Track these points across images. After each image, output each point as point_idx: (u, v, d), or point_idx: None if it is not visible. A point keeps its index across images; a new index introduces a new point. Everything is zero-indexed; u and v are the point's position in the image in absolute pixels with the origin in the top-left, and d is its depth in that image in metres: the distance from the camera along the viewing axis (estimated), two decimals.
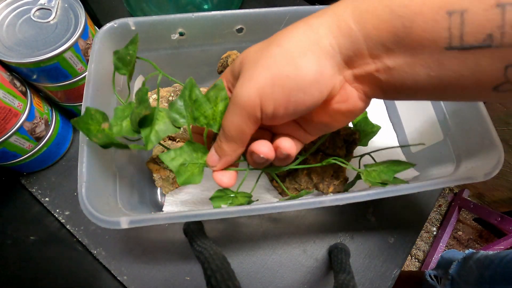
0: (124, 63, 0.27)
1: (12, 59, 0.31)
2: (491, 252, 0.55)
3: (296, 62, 0.19)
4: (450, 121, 0.34)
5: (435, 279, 0.64)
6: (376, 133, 0.38)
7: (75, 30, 0.33)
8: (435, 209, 1.21)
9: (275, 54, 0.19)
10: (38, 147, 0.37)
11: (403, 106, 0.43)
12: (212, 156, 0.25)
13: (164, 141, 0.39)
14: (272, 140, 0.25)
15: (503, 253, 0.52)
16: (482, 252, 0.58)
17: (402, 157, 0.42)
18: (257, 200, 0.34)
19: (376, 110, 0.46)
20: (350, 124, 0.38)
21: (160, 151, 0.37)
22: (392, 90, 0.19)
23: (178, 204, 0.38)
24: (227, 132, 0.22)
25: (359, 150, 0.41)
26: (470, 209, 1.09)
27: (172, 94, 0.40)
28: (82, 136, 0.26)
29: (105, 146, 0.25)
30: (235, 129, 0.22)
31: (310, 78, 0.19)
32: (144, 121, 0.25)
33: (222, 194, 0.29)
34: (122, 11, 0.52)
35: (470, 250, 0.62)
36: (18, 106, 0.33)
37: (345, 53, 0.19)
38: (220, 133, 0.23)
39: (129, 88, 0.28)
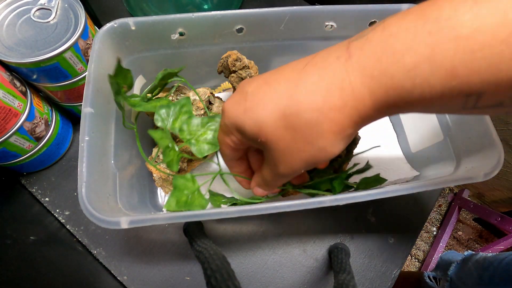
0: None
1: (12, 59, 0.31)
2: (490, 254, 0.55)
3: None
4: (450, 121, 0.34)
5: (433, 280, 0.64)
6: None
7: (75, 30, 0.33)
8: (435, 209, 1.21)
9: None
10: (38, 147, 0.37)
11: None
12: (258, 190, 0.28)
13: None
14: None
15: (502, 255, 0.52)
16: (481, 253, 0.58)
17: (402, 157, 0.42)
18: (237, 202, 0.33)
19: None
20: None
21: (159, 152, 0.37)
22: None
23: None
24: (287, 174, 0.22)
25: (358, 150, 0.41)
26: (470, 209, 1.09)
27: (172, 95, 0.40)
28: (82, 136, 0.26)
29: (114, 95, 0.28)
30: (294, 172, 0.22)
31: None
32: None
33: (186, 182, 0.29)
34: (122, 11, 0.52)
35: (469, 251, 0.62)
36: (18, 106, 0.33)
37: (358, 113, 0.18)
38: (275, 174, 0.23)
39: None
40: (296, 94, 0.18)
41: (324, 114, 0.17)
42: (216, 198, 0.32)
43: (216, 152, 0.35)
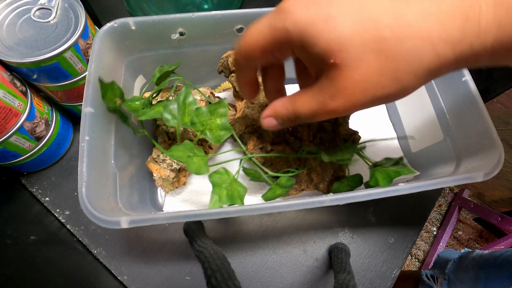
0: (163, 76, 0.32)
1: (12, 59, 0.31)
2: (486, 252, 0.56)
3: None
4: (450, 121, 0.34)
5: (431, 279, 0.64)
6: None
7: (75, 30, 0.33)
8: (435, 209, 1.21)
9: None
10: (38, 147, 0.37)
11: (403, 106, 0.43)
12: (271, 121, 0.22)
13: (165, 141, 0.39)
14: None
15: (497, 252, 0.52)
16: (477, 251, 0.58)
17: (403, 157, 0.42)
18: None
19: (376, 110, 0.46)
20: (350, 125, 0.37)
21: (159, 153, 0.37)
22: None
23: (178, 204, 0.38)
24: (339, 111, 0.19)
25: None
26: (470, 209, 1.09)
27: (173, 95, 0.40)
28: (82, 136, 0.26)
29: (111, 111, 0.29)
30: (348, 112, 0.19)
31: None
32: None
33: (222, 176, 0.29)
34: (122, 11, 0.52)
35: (466, 249, 0.62)
36: (18, 106, 0.33)
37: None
38: (322, 107, 0.19)
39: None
40: (406, 14, 0.15)
41: (434, 46, 0.15)
42: (253, 173, 0.32)
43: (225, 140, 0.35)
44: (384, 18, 0.15)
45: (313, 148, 0.35)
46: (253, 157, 0.34)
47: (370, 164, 0.32)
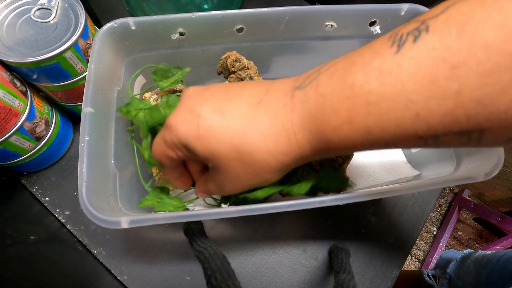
0: (164, 76, 0.33)
1: (12, 59, 0.31)
2: (489, 252, 0.56)
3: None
4: None
5: (432, 279, 0.64)
6: None
7: (75, 30, 0.33)
8: (435, 209, 1.21)
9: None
10: (38, 147, 0.37)
11: None
12: (203, 195, 0.29)
13: None
14: None
15: (500, 252, 0.52)
16: (480, 251, 0.58)
17: (402, 157, 0.42)
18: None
19: None
20: None
21: None
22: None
23: None
24: (231, 192, 0.25)
25: None
26: (470, 209, 1.10)
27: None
28: (82, 136, 0.26)
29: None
30: (237, 192, 0.25)
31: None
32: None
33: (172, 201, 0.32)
34: (122, 11, 0.52)
35: (469, 250, 0.62)
36: (18, 106, 0.33)
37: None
38: (220, 190, 0.25)
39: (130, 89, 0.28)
40: (251, 136, 0.20)
41: (274, 156, 0.20)
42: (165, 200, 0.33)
43: None
44: (237, 138, 0.20)
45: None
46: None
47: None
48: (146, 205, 0.30)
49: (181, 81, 0.35)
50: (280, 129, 0.20)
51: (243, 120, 0.20)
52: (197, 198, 0.31)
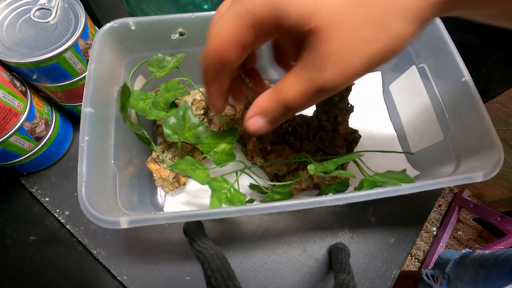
0: (160, 65, 0.33)
1: (12, 59, 0.31)
2: (487, 252, 0.56)
3: None
4: (450, 121, 0.34)
5: (431, 278, 0.64)
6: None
7: (75, 30, 0.33)
8: (435, 209, 1.21)
9: None
10: (38, 147, 0.37)
11: (403, 107, 0.43)
12: (257, 122, 0.19)
13: (165, 141, 0.39)
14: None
15: (498, 252, 0.52)
16: (478, 251, 0.58)
17: (403, 157, 0.42)
18: (254, 200, 0.34)
19: (377, 111, 0.46)
20: (350, 124, 0.37)
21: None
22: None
23: (178, 204, 0.38)
24: (334, 83, 0.16)
25: (358, 149, 0.41)
26: (470, 209, 1.09)
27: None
28: (82, 136, 0.26)
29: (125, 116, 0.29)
30: (346, 81, 0.16)
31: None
32: (172, 105, 0.32)
33: (220, 183, 0.30)
34: (122, 11, 0.52)
35: (467, 249, 0.62)
36: (18, 106, 0.33)
37: None
38: (313, 85, 0.16)
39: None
40: None
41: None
42: (258, 187, 0.34)
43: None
44: None
45: (312, 148, 0.35)
46: (250, 168, 0.35)
47: (367, 175, 0.33)
48: (179, 169, 0.28)
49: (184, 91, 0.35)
50: None
51: None
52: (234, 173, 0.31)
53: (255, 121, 0.19)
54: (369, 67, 0.15)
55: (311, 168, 0.29)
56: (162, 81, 0.33)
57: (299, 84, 0.16)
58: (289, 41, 0.17)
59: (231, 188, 0.30)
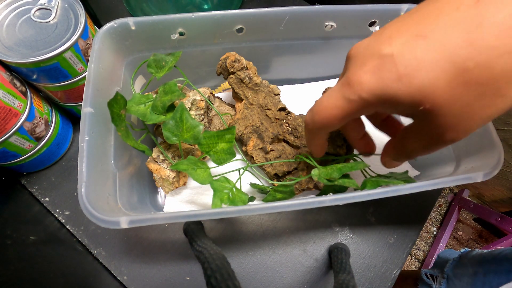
0: (158, 65, 0.33)
1: (12, 59, 0.31)
2: (485, 250, 0.56)
3: None
4: None
5: (430, 278, 0.64)
6: None
7: (75, 30, 0.33)
8: (435, 209, 1.21)
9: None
10: (38, 147, 0.37)
11: None
12: (393, 163, 0.26)
13: (165, 141, 0.39)
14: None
15: (496, 250, 0.53)
16: (476, 250, 0.58)
17: None
18: (255, 199, 0.34)
19: None
20: None
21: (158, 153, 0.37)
22: None
23: (178, 204, 0.38)
24: (455, 139, 0.19)
25: None
26: (470, 209, 1.09)
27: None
28: (82, 136, 0.26)
29: (117, 125, 0.29)
30: (466, 135, 0.20)
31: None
32: (169, 108, 0.32)
33: (222, 183, 0.31)
34: (122, 11, 0.52)
35: (466, 249, 0.62)
36: (18, 106, 0.33)
37: None
38: (436, 143, 0.20)
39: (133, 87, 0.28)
40: (482, 39, 0.14)
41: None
42: (259, 186, 0.34)
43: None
44: (460, 52, 0.15)
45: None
46: (253, 167, 0.36)
47: (369, 175, 0.33)
48: (180, 169, 0.29)
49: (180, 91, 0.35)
50: None
51: (462, 26, 0.15)
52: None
53: (391, 163, 0.25)
54: (487, 122, 0.18)
55: (315, 173, 0.29)
56: (162, 80, 0.33)
57: (420, 144, 0.20)
58: (397, 113, 0.19)
59: (233, 188, 0.30)
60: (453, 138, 0.18)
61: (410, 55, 0.16)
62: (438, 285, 0.60)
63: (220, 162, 0.31)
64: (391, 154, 0.24)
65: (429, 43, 0.16)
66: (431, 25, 0.16)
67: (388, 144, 0.24)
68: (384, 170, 0.38)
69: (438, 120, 0.17)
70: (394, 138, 0.23)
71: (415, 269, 1.10)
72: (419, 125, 0.19)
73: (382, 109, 0.19)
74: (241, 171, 0.33)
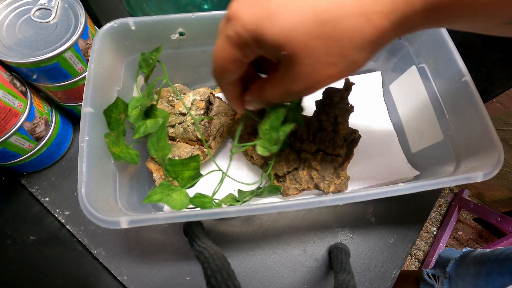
0: (147, 64, 0.32)
1: (12, 59, 0.31)
2: (487, 250, 0.56)
3: None
4: (450, 121, 0.34)
5: (432, 278, 0.64)
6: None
7: (75, 30, 0.33)
8: (435, 209, 1.21)
9: None
10: (38, 147, 0.37)
11: (403, 107, 0.43)
12: (250, 105, 0.25)
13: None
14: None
15: (498, 250, 0.52)
16: (479, 250, 0.58)
17: (403, 157, 0.42)
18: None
19: (377, 111, 0.46)
20: (350, 124, 0.37)
21: None
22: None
23: None
24: (303, 92, 0.21)
25: (359, 149, 0.41)
26: (470, 209, 1.10)
27: (173, 95, 0.40)
28: (82, 136, 0.26)
29: (113, 130, 0.29)
30: (311, 91, 0.21)
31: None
32: (148, 113, 0.31)
33: (201, 199, 0.31)
34: (122, 11, 0.52)
35: (468, 248, 0.62)
36: (18, 106, 0.33)
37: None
38: (288, 91, 0.21)
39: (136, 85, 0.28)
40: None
41: (370, 20, 0.16)
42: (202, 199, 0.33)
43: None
44: (321, 3, 0.16)
45: (312, 148, 0.35)
46: (227, 174, 0.35)
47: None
48: (154, 200, 0.28)
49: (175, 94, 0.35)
50: None
51: None
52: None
53: (252, 104, 0.25)
54: (331, 81, 0.19)
55: (258, 149, 0.29)
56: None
57: (277, 90, 0.21)
58: (270, 56, 0.20)
59: (213, 200, 0.31)
60: (302, 89, 0.19)
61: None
62: (440, 285, 0.60)
63: (184, 185, 0.31)
64: (253, 94, 0.23)
65: None
66: None
67: (254, 85, 0.23)
68: (381, 170, 0.39)
69: (294, 68, 0.18)
70: (262, 81, 0.23)
71: (415, 269, 1.10)
72: (280, 71, 0.20)
73: (256, 48, 0.19)
74: (219, 183, 0.33)
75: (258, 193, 0.34)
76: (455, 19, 0.16)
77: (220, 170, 0.32)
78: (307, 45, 0.17)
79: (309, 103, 0.39)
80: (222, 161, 0.41)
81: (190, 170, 0.31)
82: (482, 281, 0.51)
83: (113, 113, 0.29)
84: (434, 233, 1.17)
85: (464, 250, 0.62)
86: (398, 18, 0.16)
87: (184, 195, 0.30)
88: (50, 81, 0.35)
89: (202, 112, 0.37)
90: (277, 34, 0.17)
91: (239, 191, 0.36)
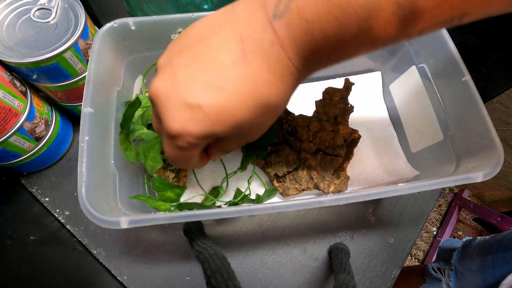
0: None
1: (12, 59, 0.31)
2: (487, 237, 0.55)
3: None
4: (450, 121, 0.34)
5: (438, 272, 0.64)
6: None
7: (75, 30, 0.33)
8: (435, 209, 1.21)
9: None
10: (38, 147, 0.37)
11: (403, 107, 0.43)
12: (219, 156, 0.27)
13: None
14: None
15: (499, 236, 0.52)
16: (479, 238, 0.57)
17: (403, 157, 0.42)
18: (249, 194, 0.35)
19: (377, 110, 0.46)
20: (350, 125, 0.37)
21: None
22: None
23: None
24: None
25: (359, 149, 0.41)
26: (470, 209, 1.10)
27: None
28: (82, 136, 0.26)
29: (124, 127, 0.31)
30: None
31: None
32: (150, 126, 0.32)
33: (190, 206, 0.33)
34: (122, 11, 0.52)
35: (468, 238, 0.62)
36: (18, 106, 0.33)
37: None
38: (235, 144, 0.24)
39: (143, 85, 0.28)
40: (261, 88, 0.19)
41: (285, 92, 0.20)
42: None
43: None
44: (258, 97, 0.19)
45: (312, 148, 0.35)
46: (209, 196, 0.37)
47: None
48: (140, 199, 0.31)
49: None
50: (281, 68, 0.19)
51: (244, 83, 0.19)
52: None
53: (217, 158, 0.27)
54: (261, 133, 0.23)
55: None
56: None
57: (234, 145, 0.24)
58: None
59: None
60: (250, 140, 0.23)
61: (216, 106, 0.19)
62: (447, 278, 0.60)
63: (167, 201, 0.33)
64: (216, 152, 0.26)
65: (226, 94, 0.19)
66: (216, 74, 0.19)
67: (212, 148, 0.26)
68: (381, 170, 0.39)
69: (243, 134, 0.22)
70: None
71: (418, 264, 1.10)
72: (229, 140, 0.23)
73: (211, 140, 0.22)
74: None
75: (257, 202, 0.35)
76: (332, 57, 0.20)
77: (204, 193, 0.35)
78: (254, 122, 0.20)
79: (309, 103, 0.39)
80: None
81: (173, 193, 0.33)
82: (489, 269, 0.50)
83: (129, 111, 0.29)
84: (434, 233, 1.17)
85: (464, 239, 0.62)
86: (298, 82, 0.21)
87: (166, 206, 0.32)
88: (50, 81, 0.35)
89: None
90: (228, 128, 0.20)
91: (237, 191, 0.36)
